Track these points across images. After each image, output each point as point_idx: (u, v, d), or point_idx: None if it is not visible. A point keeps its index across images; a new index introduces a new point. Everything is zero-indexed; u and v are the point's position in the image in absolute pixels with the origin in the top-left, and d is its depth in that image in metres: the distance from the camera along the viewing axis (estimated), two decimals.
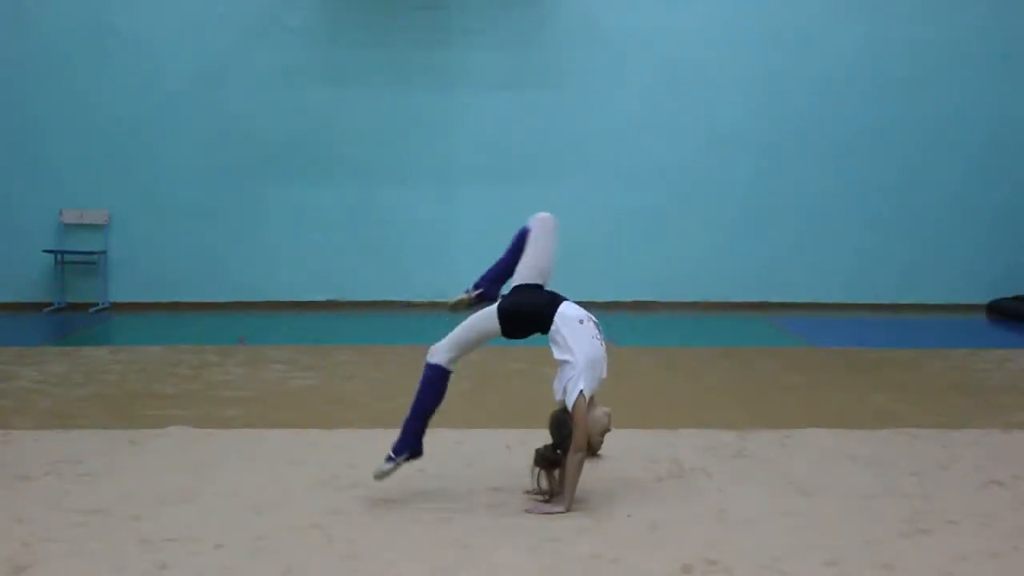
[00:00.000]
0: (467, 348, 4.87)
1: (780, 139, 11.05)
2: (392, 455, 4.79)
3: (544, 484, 4.70)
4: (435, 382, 4.82)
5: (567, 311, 4.77)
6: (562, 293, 4.91)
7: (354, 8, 10.84)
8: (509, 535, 4.32)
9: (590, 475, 5.14)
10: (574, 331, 4.71)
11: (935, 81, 11.05)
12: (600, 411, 4.70)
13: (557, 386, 4.73)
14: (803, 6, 11.01)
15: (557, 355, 4.73)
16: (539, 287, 4.91)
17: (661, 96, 10.98)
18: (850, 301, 11.16)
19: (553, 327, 4.74)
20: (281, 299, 10.98)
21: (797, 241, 11.13)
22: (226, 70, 10.80)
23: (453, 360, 4.85)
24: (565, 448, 4.66)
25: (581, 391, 4.60)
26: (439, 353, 4.84)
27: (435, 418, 6.12)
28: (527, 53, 10.90)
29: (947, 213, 11.17)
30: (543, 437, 5.81)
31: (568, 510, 4.57)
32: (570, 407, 4.63)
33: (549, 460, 4.71)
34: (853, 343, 9.17)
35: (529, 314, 4.80)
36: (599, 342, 4.75)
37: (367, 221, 10.96)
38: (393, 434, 5.86)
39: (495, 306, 4.84)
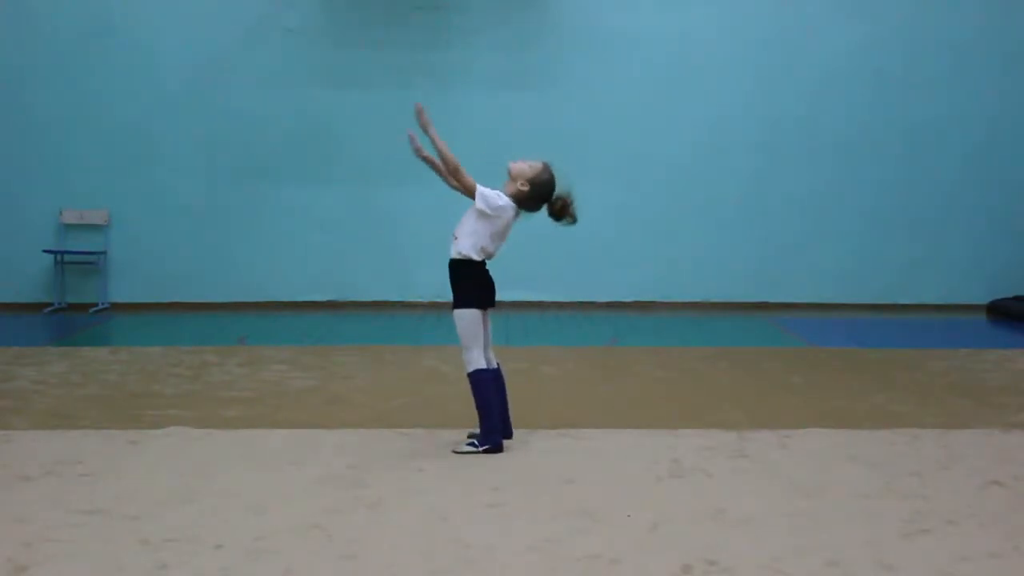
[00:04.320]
0: (477, 341, 5.46)
1: (779, 139, 11.05)
2: (475, 442, 5.49)
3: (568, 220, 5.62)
4: (482, 383, 5.47)
5: (456, 250, 5.50)
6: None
7: (354, 8, 10.85)
8: (509, 535, 4.32)
9: (590, 475, 5.15)
10: (460, 234, 5.51)
11: (934, 80, 11.06)
12: (513, 175, 5.56)
13: (498, 205, 5.50)
14: (802, 6, 11.02)
15: (486, 232, 5.48)
16: (451, 283, 5.52)
17: (660, 96, 10.98)
18: (850, 301, 11.16)
19: (472, 253, 5.44)
20: (281, 299, 10.99)
21: (797, 241, 11.13)
22: (226, 70, 10.81)
23: (482, 357, 5.47)
24: (542, 199, 5.57)
25: (479, 195, 5.51)
26: (468, 362, 5.47)
27: (435, 419, 6.17)
28: (527, 53, 10.90)
29: (947, 213, 11.18)
30: (543, 437, 5.83)
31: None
32: (476, 189, 5.55)
33: (559, 208, 5.62)
34: (853, 343, 9.17)
35: (460, 280, 5.46)
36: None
37: (367, 221, 10.96)
38: (393, 434, 5.90)
39: (456, 311, 5.47)
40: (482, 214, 5.46)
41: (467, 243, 5.47)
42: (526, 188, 5.51)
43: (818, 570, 3.98)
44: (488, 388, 5.50)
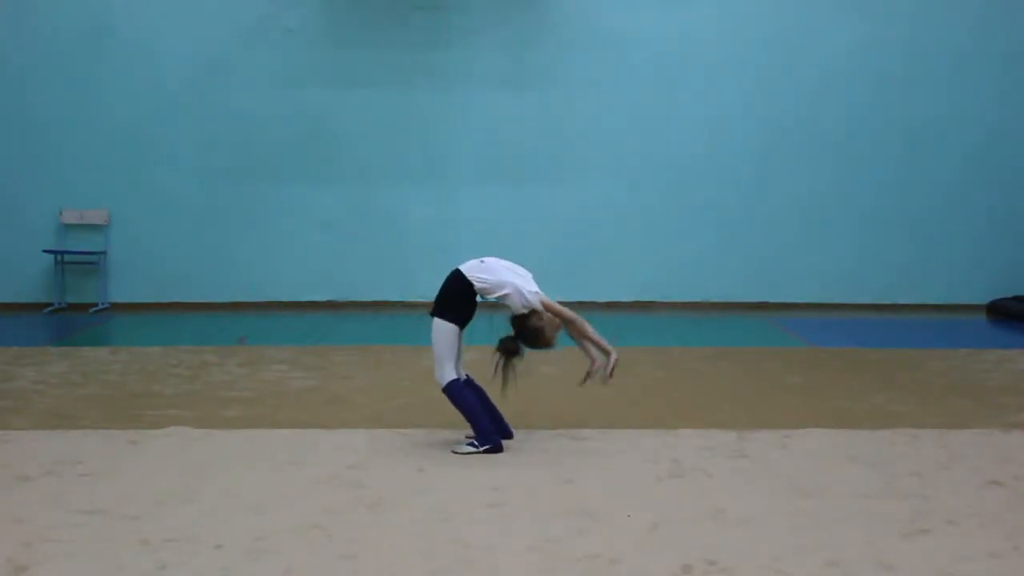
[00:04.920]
0: (452, 355, 5.54)
1: (779, 139, 11.05)
2: (474, 443, 5.53)
3: (501, 371, 5.50)
4: (459, 391, 5.57)
5: (465, 266, 5.57)
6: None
7: (354, 8, 10.84)
8: (509, 535, 4.32)
9: (590, 475, 5.16)
10: (487, 269, 5.52)
11: (933, 80, 11.06)
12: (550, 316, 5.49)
13: (516, 306, 5.47)
14: (801, 6, 11.01)
15: (496, 293, 5.46)
16: (442, 287, 5.66)
17: (660, 96, 10.98)
18: (850, 301, 11.16)
19: (476, 286, 5.48)
20: (281, 299, 10.99)
21: (797, 241, 11.13)
22: (226, 70, 10.80)
23: (454, 370, 5.57)
24: (524, 338, 5.50)
25: (535, 292, 5.48)
26: (441, 375, 5.56)
27: (435, 419, 6.17)
28: (527, 53, 10.90)
29: (947, 213, 11.18)
30: (543, 437, 5.83)
31: (612, 354, 5.52)
32: (539, 307, 5.44)
33: (510, 349, 5.54)
34: (853, 343, 9.17)
35: (454, 295, 5.54)
36: (506, 261, 5.61)
37: (367, 221, 10.97)
38: (393, 434, 5.90)
39: (437, 319, 5.56)
40: (523, 291, 5.47)
41: (488, 281, 5.49)
42: (539, 324, 5.49)
43: (818, 570, 3.98)
44: (466, 394, 5.59)
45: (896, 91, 11.03)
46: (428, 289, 10.74)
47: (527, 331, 5.50)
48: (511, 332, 5.57)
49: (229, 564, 4.00)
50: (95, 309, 10.74)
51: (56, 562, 4.01)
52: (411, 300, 10.95)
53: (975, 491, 4.95)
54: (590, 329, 5.55)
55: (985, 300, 11.14)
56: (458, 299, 5.54)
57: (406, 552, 4.14)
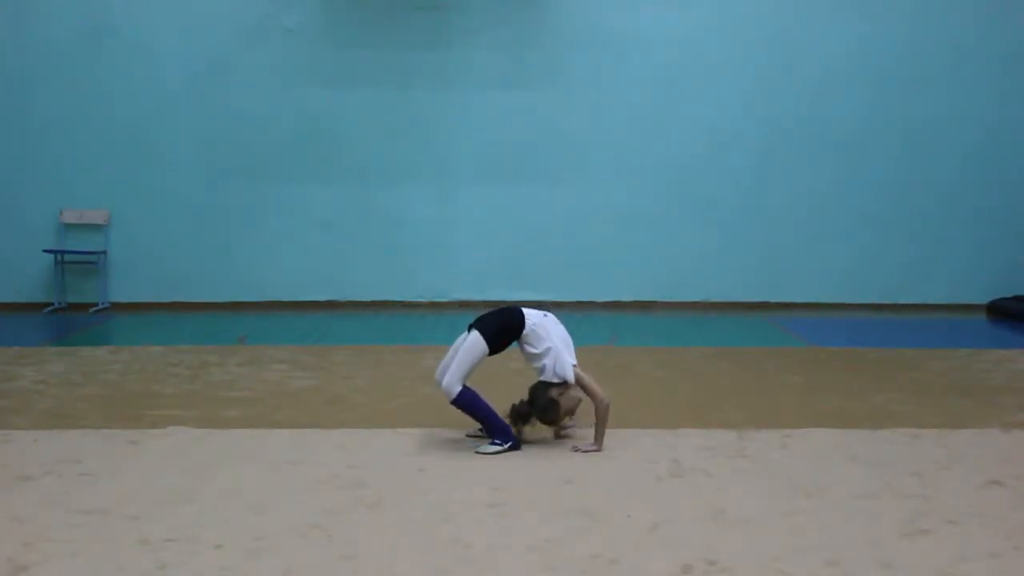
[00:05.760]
0: (469, 372, 5.64)
1: (779, 139, 11.05)
2: (497, 441, 5.60)
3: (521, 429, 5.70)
4: (472, 397, 5.62)
5: (530, 312, 5.75)
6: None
7: (354, 8, 10.84)
8: (509, 535, 4.32)
9: (590, 475, 5.16)
10: (543, 323, 5.69)
11: (933, 80, 11.05)
12: (576, 391, 5.63)
13: (548, 369, 5.61)
14: (801, 6, 11.01)
15: (536, 348, 5.63)
16: (498, 312, 5.84)
17: (660, 96, 10.98)
18: (850, 301, 11.16)
19: (526, 328, 5.64)
20: (281, 299, 10.98)
21: (797, 241, 11.12)
22: (226, 70, 10.80)
23: (461, 384, 5.62)
24: (535, 406, 5.62)
25: (572, 364, 5.60)
26: (453, 385, 5.59)
27: (435, 419, 6.18)
28: (527, 53, 10.90)
29: (947, 212, 11.17)
30: (543, 437, 5.83)
31: (600, 450, 5.57)
32: (572, 380, 5.56)
33: (521, 414, 5.68)
34: (853, 343, 9.16)
35: (504, 324, 5.68)
36: (561, 326, 5.77)
37: (367, 221, 10.96)
38: (392, 434, 5.90)
39: (478, 335, 5.62)
40: (561, 357, 5.59)
41: (538, 333, 5.61)
42: (556, 399, 5.58)
43: (818, 570, 3.98)
44: (477, 397, 5.63)
45: (896, 91, 11.03)
46: (428, 289, 10.94)
47: (543, 400, 5.59)
48: (527, 398, 5.69)
49: (229, 564, 4.00)
50: (95, 309, 10.74)
51: (56, 562, 4.02)
52: (411, 300, 10.96)
53: (975, 491, 4.95)
54: (603, 419, 5.60)
55: (985, 300, 11.14)
56: (503, 331, 5.65)
57: (406, 552, 4.14)
